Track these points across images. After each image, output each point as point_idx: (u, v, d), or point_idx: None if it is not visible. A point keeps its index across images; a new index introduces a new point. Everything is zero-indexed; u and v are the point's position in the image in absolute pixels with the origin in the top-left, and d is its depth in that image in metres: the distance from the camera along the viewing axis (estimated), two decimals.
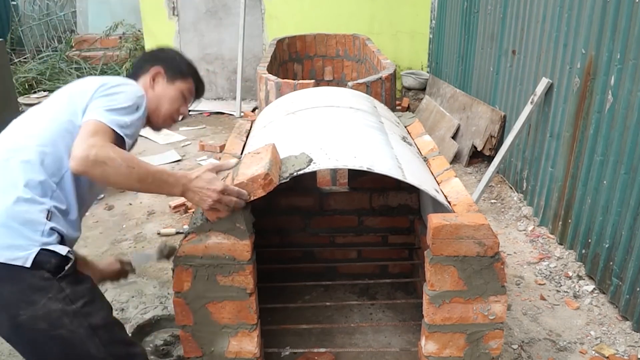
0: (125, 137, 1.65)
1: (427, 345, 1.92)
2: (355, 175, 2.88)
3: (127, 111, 1.69)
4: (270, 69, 4.27)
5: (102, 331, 1.65)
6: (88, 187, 1.76)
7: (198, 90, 2.11)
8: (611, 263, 2.98)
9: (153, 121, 1.98)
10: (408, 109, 6.61)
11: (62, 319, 1.57)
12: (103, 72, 7.70)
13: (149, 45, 7.28)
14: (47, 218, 1.58)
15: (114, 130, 1.63)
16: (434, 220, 1.77)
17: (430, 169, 2.29)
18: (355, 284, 3.01)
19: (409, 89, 7.18)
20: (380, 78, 3.75)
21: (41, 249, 1.54)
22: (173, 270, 1.87)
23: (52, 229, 1.59)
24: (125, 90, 1.74)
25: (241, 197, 1.73)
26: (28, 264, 1.52)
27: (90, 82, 1.76)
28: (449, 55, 6.19)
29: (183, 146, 5.81)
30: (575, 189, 3.41)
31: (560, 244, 3.59)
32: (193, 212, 2.00)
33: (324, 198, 2.94)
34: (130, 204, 4.36)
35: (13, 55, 8.29)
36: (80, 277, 1.69)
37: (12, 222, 1.53)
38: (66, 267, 1.59)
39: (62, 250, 1.60)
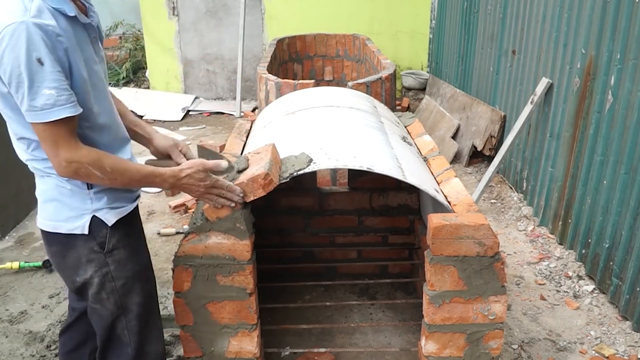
0: (66, 110, 1.43)
1: (427, 345, 1.92)
2: (355, 175, 2.88)
3: (36, 80, 1.39)
4: (270, 69, 4.27)
5: (131, 315, 1.75)
6: (101, 127, 1.63)
7: None
8: (611, 263, 2.98)
9: None
10: (408, 109, 6.61)
11: (101, 294, 1.71)
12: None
13: (149, 45, 7.29)
14: (88, 188, 1.62)
15: (58, 119, 1.43)
16: (434, 220, 1.77)
17: (430, 169, 2.29)
18: (355, 284, 3.01)
19: (409, 89, 7.18)
20: (380, 78, 3.75)
21: (93, 216, 1.64)
22: (173, 270, 1.87)
23: (97, 192, 1.64)
24: (14, 57, 1.37)
25: (232, 192, 1.74)
26: (86, 231, 1.63)
27: None
28: (449, 55, 6.19)
29: None
30: (575, 189, 3.41)
31: (560, 244, 3.59)
32: (193, 212, 2.00)
33: (324, 198, 2.94)
34: None
35: None
36: (135, 259, 1.74)
37: (62, 197, 1.62)
38: (106, 242, 1.66)
39: (111, 218, 1.66)
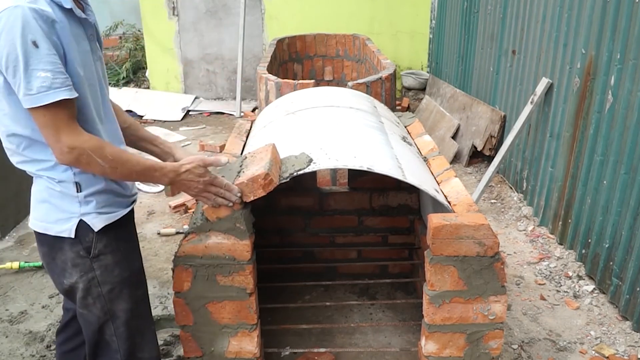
0: (62, 93, 1.42)
1: (427, 345, 1.92)
2: (355, 175, 2.88)
3: (31, 63, 1.39)
4: (270, 69, 4.27)
5: (119, 322, 1.73)
6: (98, 126, 1.62)
7: None
8: (611, 263, 2.98)
9: None
10: (408, 109, 6.61)
11: (87, 299, 1.69)
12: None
13: (149, 45, 7.29)
14: (77, 190, 1.61)
15: (55, 102, 1.42)
16: (434, 220, 1.77)
17: (430, 169, 2.29)
18: (355, 284, 3.01)
19: (409, 89, 7.18)
20: (380, 78, 3.75)
21: (80, 220, 1.62)
22: (173, 270, 1.87)
23: (86, 196, 1.62)
24: (10, 39, 1.38)
25: (230, 191, 1.74)
26: (72, 235, 1.62)
27: None
28: (449, 55, 6.19)
29: (183, 146, 5.81)
30: (575, 189, 3.41)
31: (560, 244, 3.59)
32: (193, 212, 2.00)
33: (324, 198, 2.94)
34: None
35: None
36: (124, 264, 1.72)
37: (52, 199, 1.61)
38: (92, 247, 1.65)
39: (97, 224, 1.64)
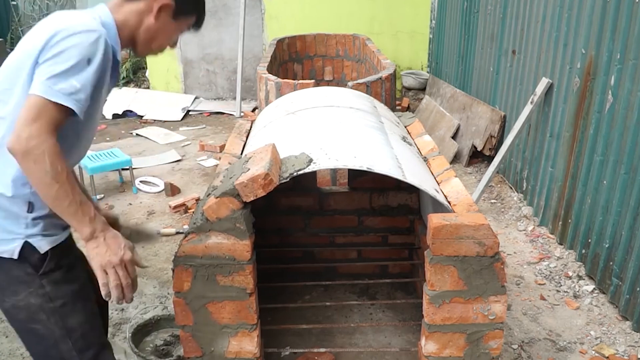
0: (75, 105, 1.46)
1: (427, 345, 1.92)
2: (355, 175, 2.88)
3: (74, 71, 1.47)
4: (270, 69, 4.28)
5: (77, 335, 1.67)
6: (72, 149, 1.64)
7: (198, 21, 1.98)
8: (611, 263, 2.98)
9: (139, 49, 1.77)
10: (408, 109, 6.61)
11: (39, 314, 1.63)
12: None
13: None
14: (27, 210, 1.57)
15: (59, 103, 1.44)
16: (434, 220, 1.77)
17: (430, 169, 2.29)
18: (355, 284, 3.00)
19: (409, 89, 7.19)
20: (380, 78, 3.75)
21: (25, 242, 1.57)
22: (173, 270, 1.87)
23: (35, 219, 1.58)
24: (75, 44, 1.48)
25: (130, 287, 1.62)
26: (15, 256, 1.57)
27: (39, 35, 1.52)
28: (449, 55, 6.19)
29: (183, 146, 5.82)
30: (575, 189, 3.41)
31: (560, 244, 3.59)
32: (193, 212, 2.00)
33: (324, 198, 2.94)
34: (130, 204, 4.37)
35: None
36: (71, 277, 1.68)
37: None
38: (44, 265, 1.60)
39: (44, 246, 1.59)
